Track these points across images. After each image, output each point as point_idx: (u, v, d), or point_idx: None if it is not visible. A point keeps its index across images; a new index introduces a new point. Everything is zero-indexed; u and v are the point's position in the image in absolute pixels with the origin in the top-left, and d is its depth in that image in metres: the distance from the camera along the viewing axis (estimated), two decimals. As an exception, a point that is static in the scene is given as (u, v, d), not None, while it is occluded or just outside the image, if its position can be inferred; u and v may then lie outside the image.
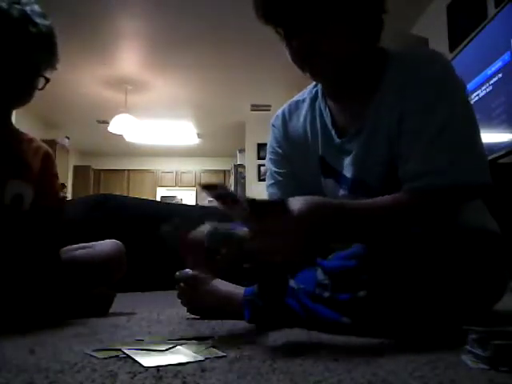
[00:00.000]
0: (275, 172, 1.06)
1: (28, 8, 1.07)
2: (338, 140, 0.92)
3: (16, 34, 1.05)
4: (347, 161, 0.91)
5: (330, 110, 0.96)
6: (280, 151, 1.05)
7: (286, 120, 1.04)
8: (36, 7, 1.09)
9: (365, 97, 0.88)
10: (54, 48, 1.13)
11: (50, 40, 1.11)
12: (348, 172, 0.91)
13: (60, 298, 1.10)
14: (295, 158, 1.02)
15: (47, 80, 1.14)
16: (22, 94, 1.13)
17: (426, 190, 0.75)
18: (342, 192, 0.93)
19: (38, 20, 1.07)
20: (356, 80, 0.89)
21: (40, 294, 1.06)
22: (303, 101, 1.02)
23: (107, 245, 1.27)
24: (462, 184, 0.75)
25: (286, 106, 1.07)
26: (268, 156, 1.09)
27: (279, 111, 1.07)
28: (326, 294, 0.80)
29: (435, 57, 0.84)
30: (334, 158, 0.94)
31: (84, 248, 1.27)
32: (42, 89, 1.14)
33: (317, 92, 1.00)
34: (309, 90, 1.03)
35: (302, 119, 1.01)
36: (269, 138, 1.09)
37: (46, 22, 1.10)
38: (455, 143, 0.76)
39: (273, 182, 1.06)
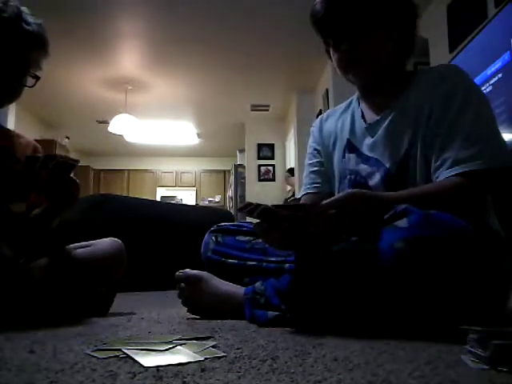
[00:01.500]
0: (309, 164, 1.24)
1: (18, 5, 1.09)
2: (364, 124, 1.10)
3: (8, 32, 1.06)
4: (368, 141, 1.07)
5: (361, 108, 1.14)
6: (314, 145, 1.24)
7: (322, 122, 1.25)
8: (25, 9, 1.12)
9: (392, 94, 1.05)
10: (46, 46, 1.15)
11: (42, 38, 1.14)
12: (367, 150, 1.07)
13: (66, 297, 1.10)
14: (325, 150, 1.21)
15: (37, 78, 1.16)
16: (11, 92, 1.13)
17: (469, 172, 0.88)
18: (362, 166, 1.08)
19: (31, 19, 1.10)
20: (388, 82, 1.06)
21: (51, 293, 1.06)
22: (340, 108, 1.22)
23: (107, 243, 1.27)
24: (494, 166, 0.88)
25: (326, 112, 1.27)
26: (307, 155, 1.27)
27: (320, 117, 1.27)
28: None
29: (457, 67, 1.02)
30: (357, 139, 1.11)
31: (83, 247, 1.27)
32: (32, 86, 1.16)
33: (352, 100, 1.20)
34: (347, 101, 1.22)
35: (335, 118, 1.21)
36: (308, 142, 1.29)
37: (38, 21, 1.13)
38: (484, 136, 0.91)
39: (307, 173, 1.24)
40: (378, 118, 1.06)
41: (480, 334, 0.55)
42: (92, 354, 0.62)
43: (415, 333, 0.74)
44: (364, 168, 1.07)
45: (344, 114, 1.18)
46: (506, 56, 2.34)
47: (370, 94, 1.11)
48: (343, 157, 1.13)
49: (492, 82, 2.46)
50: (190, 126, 7.29)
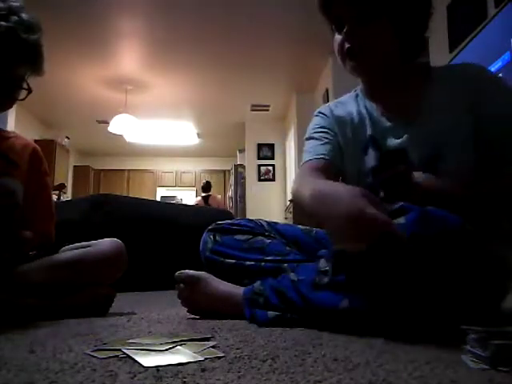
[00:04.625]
0: (319, 138, 1.11)
1: (16, 18, 1.08)
2: (388, 124, 1.04)
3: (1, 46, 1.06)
4: (391, 142, 1.02)
5: (372, 103, 1.08)
6: (328, 125, 1.13)
7: (332, 110, 1.15)
8: (24, 16, 1.10)
9: (410, 92, 1.01)
10: (40, 60, 1.16)
11: (35, 53, 1.13)
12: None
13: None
14: (341, 137, 1.11)
15: (30, 91, 1.16)
16: (2, 103, 1.15)
17: None
18: None
19: (24, 35, 1.09)
20: (397, 79, 1.02)
21: None
22: (346, 99, 1.16)
23: (107, 243, 1.27)
24: None
25: (330, 103, 1.19)
26: (313, 131, 1.14)
27: (325, 106, 1.19)
28: (325, 280, 0.83)
29: (479, 68, 1.00)
30: (380, 138, 1.04)
31: (83, 247, 1.27)
32: (23, 99, 1.17)
33: (357, 93, 1.14)
34: (348, 95, 1.16)
35: (347, 110, 1.12)
36: (311, 125, 1.17)
37: (33, 36, 1.11)
38: None
39: (313, 144, 1.11)
40: (405, 120, 1.01)
41: (480, 334, 0.55)
42: (92, 354, 0.62)
43: (415, 333, 0.74)
44: None
45: (355, 106, 1.12)
46: (505, 56, 2.34)
47: (377, 90, 1.07)
48: (365, 153, 1.06)
49: (492, 81, 2.46)
50: (189, 125, 7.30)
